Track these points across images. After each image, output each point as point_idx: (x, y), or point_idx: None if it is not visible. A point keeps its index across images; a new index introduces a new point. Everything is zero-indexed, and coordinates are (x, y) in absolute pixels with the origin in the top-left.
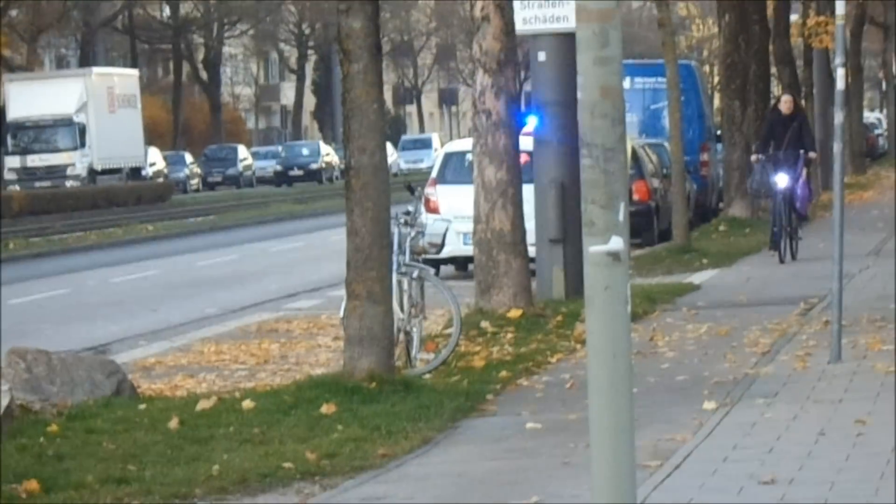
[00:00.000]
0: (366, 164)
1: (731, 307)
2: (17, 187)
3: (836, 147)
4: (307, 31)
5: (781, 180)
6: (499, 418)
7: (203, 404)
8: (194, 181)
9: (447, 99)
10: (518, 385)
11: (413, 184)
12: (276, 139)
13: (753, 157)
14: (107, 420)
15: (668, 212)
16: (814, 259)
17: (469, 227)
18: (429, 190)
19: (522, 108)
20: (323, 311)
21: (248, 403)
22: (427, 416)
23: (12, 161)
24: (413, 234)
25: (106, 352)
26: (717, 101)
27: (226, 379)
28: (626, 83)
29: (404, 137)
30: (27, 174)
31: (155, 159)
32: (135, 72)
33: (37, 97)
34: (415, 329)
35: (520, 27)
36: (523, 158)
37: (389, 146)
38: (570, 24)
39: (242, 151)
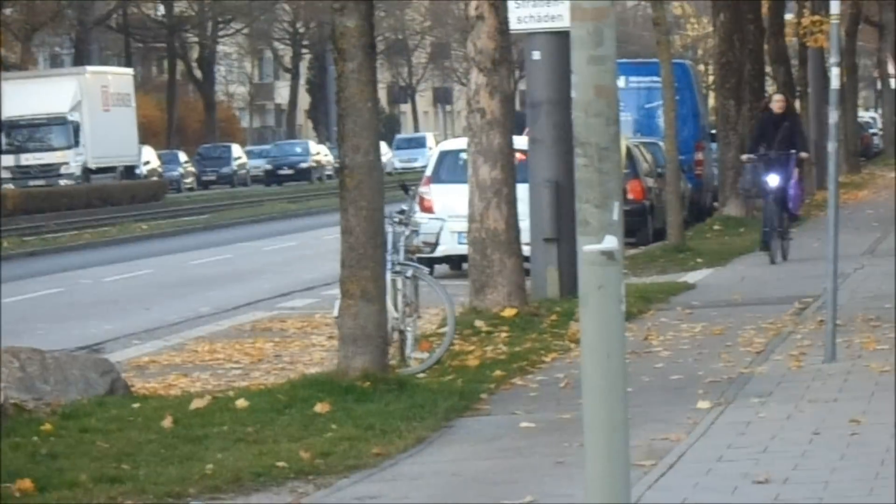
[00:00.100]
0: (360, 163)
1: (725, 306)
2: (11, 186)
3: (831, 146)
4: (301, 30)
5: (773, 181)
6: (493, 417)
7: (197, 403)
8: (188, 180)
9: (441, 98)
10: (512, 384)
11: (407, 183)
12: (270, 138)
13: (744, 157)
14: (101, 419)
15: (663, 211)
16: (808, 258)
17: (463, 226)
18: (423, 189)
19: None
20: (317, 310)
21: (241, 402)
22: (421, 416)
23: (7, 160)
24: (407, 233)
25: (100, 351)
26: (711, 101)
27: (220, 378)
28: (621, 82)
29: (398, 136)
30: (21, 173)
31: (149, 158)
32: (129, 70)
33: (31, 96)
34: (409, 328)
35: (514, 26)
36: (518, 157)
37: (384, 145)
38: (564, 22)
39: (237, 150)
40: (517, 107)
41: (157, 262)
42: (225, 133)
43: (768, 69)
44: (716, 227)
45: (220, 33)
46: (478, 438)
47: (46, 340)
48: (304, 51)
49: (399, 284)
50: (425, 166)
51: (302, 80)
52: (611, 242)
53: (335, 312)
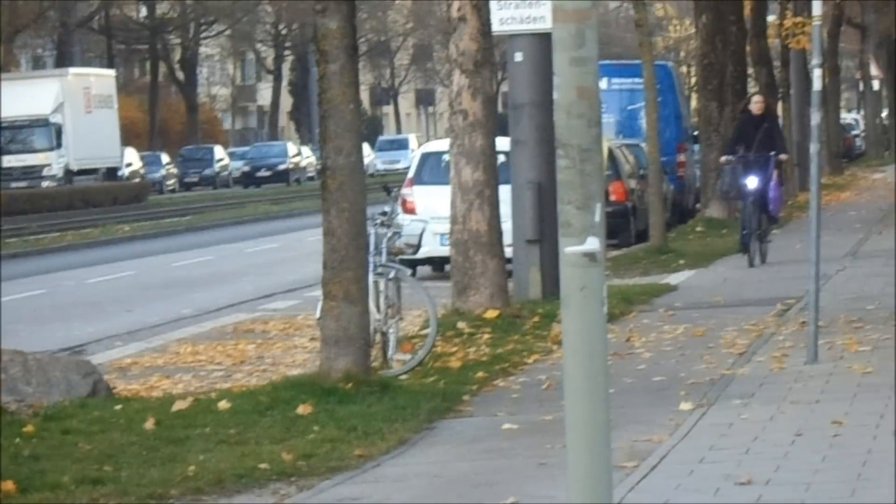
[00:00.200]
0: (342, 165)
1: (707, 308)
2: None
3: (813, 148)
4: (284, 32)
5: (752, 183)
6: (475, 419)
7: (179, 405)
8: (171, 182)
9: (424, 99)
10: (494, 386)
11: (390, 184)
12: (252, 140)
13: (723, 159)
14: (83, 421)
15: (645, 212)
16: (791, 260)
17: (446, 227)
18: (405, 191)
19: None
20: (299, 311)
21: (224, 404)
22: (403, 417)
23: None
24: (390, 234)
25: (82, 352)
26: (694, 102)
27: (202, 379)
28: (603, 84)
29: (381, 138)
30: (3, 175)
31: (131, 160)
32: (111, 72)
33: (13, 98)
34: (391, 330)
35: (496, 27)
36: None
37: (366, 147)
38: (546, 24)
39: (219, 152)
40: (500, 108)
41: (139, 264)
42: (207, 135)
43: (751, 71)
44: (698, 229)
45: (203, 35)
46: (460, 440)
47: (29, 342)
48: (286, 52)
49: (381, 286)
50: (408, 168)
51: (284, 82)
52: (593, 244)
53: (317, 314)
